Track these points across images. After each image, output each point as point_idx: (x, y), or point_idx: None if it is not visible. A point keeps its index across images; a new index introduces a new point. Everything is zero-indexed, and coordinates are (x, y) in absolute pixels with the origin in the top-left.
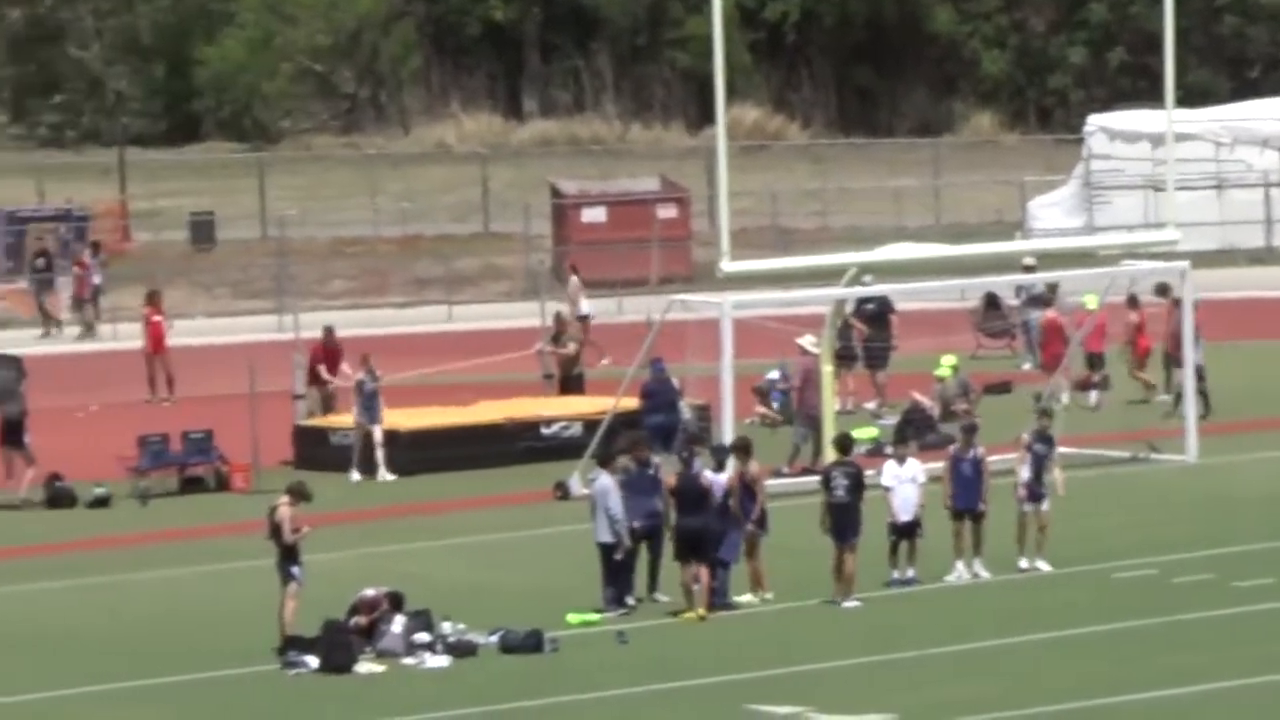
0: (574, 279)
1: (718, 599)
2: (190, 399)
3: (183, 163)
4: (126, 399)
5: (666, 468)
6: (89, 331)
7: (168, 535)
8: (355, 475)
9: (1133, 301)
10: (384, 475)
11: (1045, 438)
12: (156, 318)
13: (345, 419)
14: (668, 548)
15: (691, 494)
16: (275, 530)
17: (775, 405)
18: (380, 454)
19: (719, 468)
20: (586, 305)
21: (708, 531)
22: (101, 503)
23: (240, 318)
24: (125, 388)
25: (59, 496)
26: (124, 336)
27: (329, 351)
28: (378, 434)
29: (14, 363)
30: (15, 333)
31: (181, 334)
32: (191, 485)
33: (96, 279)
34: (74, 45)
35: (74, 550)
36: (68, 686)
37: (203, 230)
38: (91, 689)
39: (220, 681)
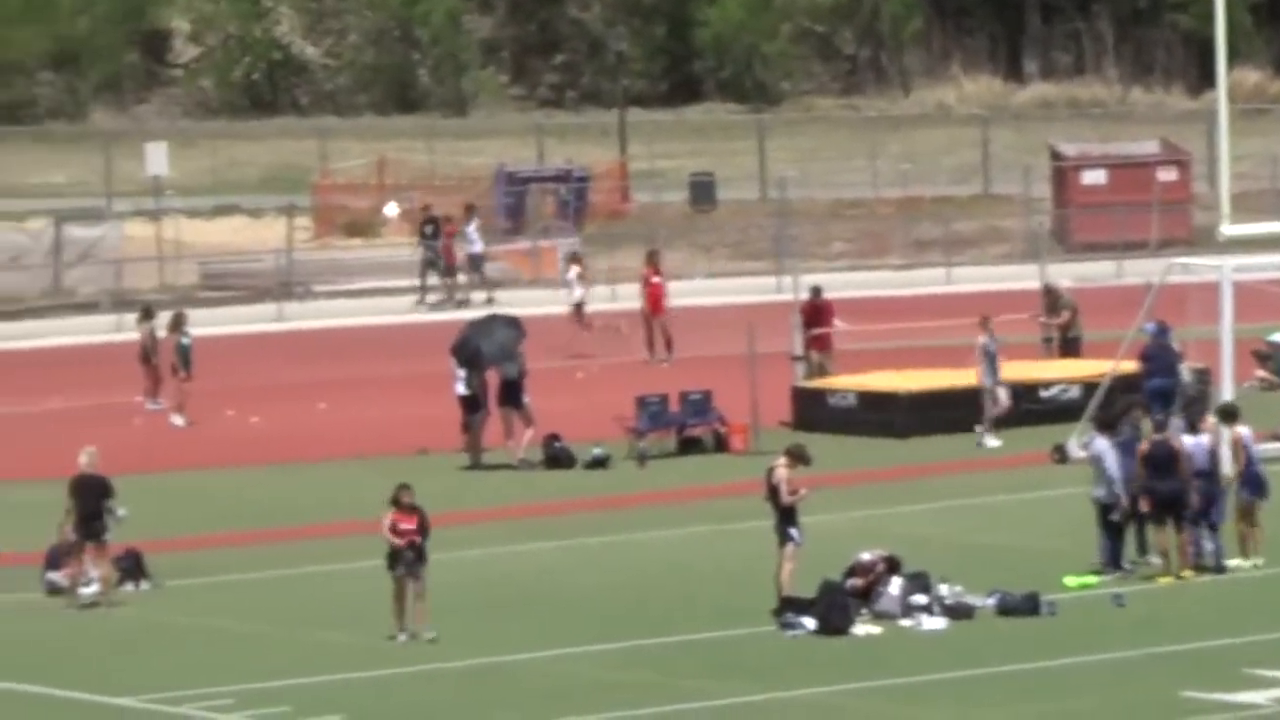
0: (575, 268)
1: (1211, 561)
2: (689, 360)
3: (683, 123)
4: (625, 360)
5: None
6: (458, 299)
7: (665, 496)
8: (989, 440)
9: None
10: (988, 441)
11: None
12: (655, 279)
13: (843, 380)
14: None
15: (1162, 458)
16: (773, 492)
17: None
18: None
19: (1192, 431)
20: (580, 292)
21: (1180, 495)
22: (600, 463)
23: (739, 279)
24: (624, 348)
25: (557, 457)
26: (623, 297)
27: (816, 310)
28: (1001, 395)
29: (514, 323)
30: (513, 293)
31: (681, 295)
32: (690, 446)
33: (476, 247)
34: (575, 6)
35: (572, 511)
36: (563, 646)
37: (703, 191)
38: (586, 649)
39: (717, 642)
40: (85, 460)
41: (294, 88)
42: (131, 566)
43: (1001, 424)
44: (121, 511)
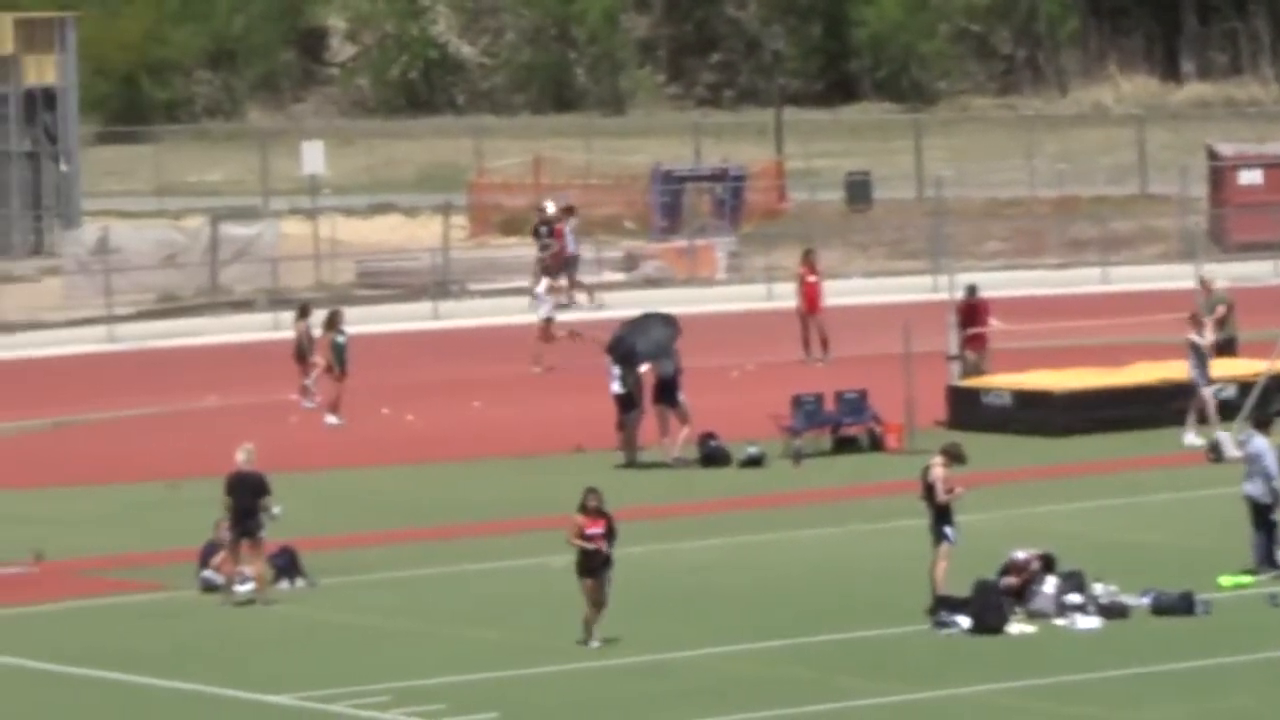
0: (545, 280)
1: None
2: (844, 359)
3: (839, 123)
4: (781, 359)
5: None
6: (567, 303)
7: (820, 495)
8: (1191, 437)
9: None
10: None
11: None
12: (811, 278)
13: (998, 379)
14: None
15: None
16: (928, 491)
17: None
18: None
19: None
20: (546, 307)
21: None
22: (755, 462)
23: (895, 278)
24: (780, 347)
25: (713, 455)
26: (779, 296)
27: (972, 309)
28: (1207, 395)
29: (670, 321)
30: (669, 291)
31: (837, 294)
32: (845, 445)
33: (571, 248)
34: (731, 5)
35: (727, 509)
36: (719, 644)
37: (859, 190)
38: (742, 647)
39: (872, 641)
40: (243, 457)
41: (450, 86)
42: (286, 564)
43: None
44: (277, 509)
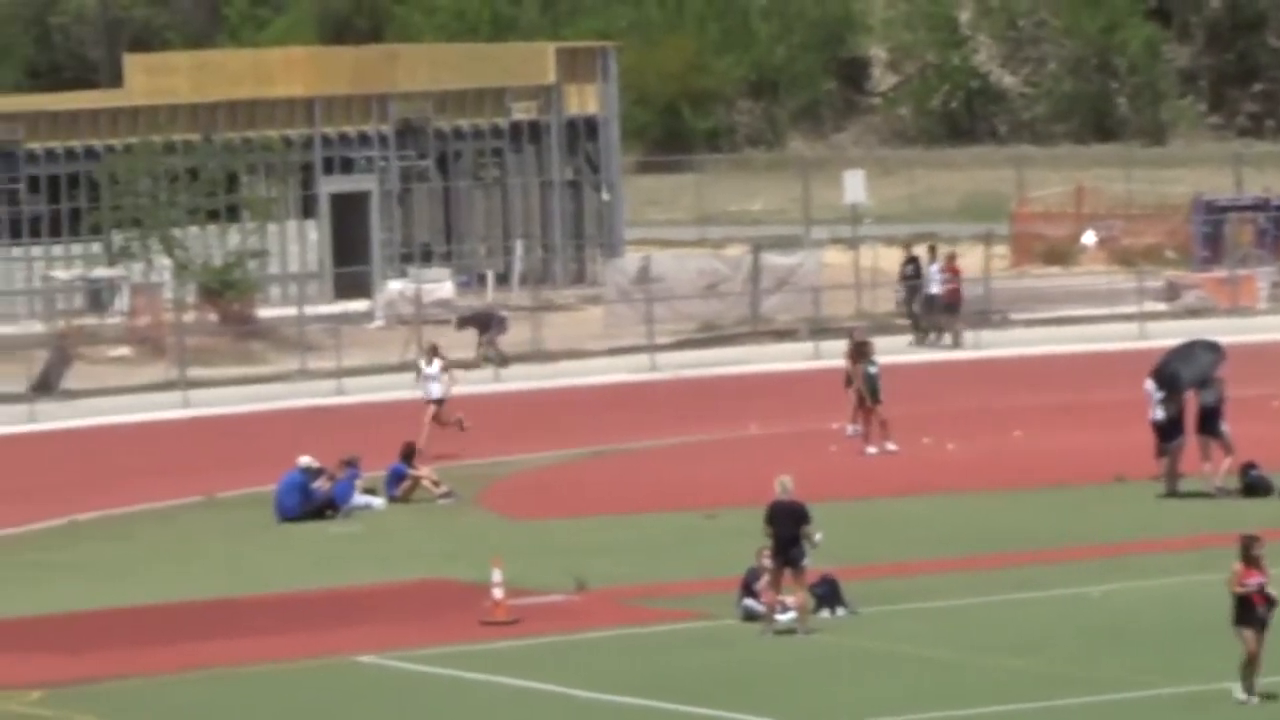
0: (437, 361)
1: None
2: None
3: None
4: None
5: None
6: (950, 339)
7: None
8: None
9: None
10: None
11: None
12: None
13: None
14: None
15: None
16: None
17: None
18: None
19: None
20: (439, 388)
21: None
22: None
23: None
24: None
25: (1255, 485)
26: None
27: None
28: None
29: (1215, 349)
30: (1211, 321)
31: None
32: None
33: (933, 288)
34: (1273, 35)
35: (1270, 540)
36: (1263, 676)
37: None
38: None
39: None
40: (781, 488)
41: (992, 116)
42: (828, 593)
43: None
44: (818, 536)
